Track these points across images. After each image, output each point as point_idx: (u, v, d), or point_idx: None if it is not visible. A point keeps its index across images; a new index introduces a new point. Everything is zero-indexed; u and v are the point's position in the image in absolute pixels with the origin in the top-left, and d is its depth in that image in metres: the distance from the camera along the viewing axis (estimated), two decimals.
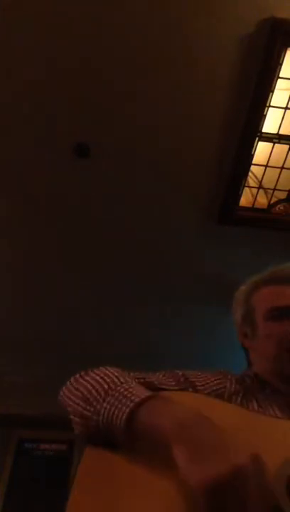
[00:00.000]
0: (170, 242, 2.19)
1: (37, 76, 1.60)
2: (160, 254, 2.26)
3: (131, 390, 0.67)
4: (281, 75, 1.59)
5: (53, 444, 3.29)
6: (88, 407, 0.69)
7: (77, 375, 0.79)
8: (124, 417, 0.63)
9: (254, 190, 1.95)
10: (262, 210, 1.99)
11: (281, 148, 1.81)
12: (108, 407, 0.66)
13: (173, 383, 0.80)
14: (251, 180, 1.91)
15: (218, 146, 1.80)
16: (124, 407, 0.64)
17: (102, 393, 0.69)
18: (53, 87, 1.63)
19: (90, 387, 0.72)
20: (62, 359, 2.91)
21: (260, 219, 2.00)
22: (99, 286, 2.44)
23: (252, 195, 1.96)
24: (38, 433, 3.33)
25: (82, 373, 0.78)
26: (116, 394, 0.67)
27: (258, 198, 1.97)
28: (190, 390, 0.81)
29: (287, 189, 1.95)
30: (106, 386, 0.70)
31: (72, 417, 0.72)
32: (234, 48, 1.54)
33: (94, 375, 0.75)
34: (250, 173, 1.88)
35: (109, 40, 1.51)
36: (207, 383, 0.85)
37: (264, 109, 1.66)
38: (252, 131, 1.72)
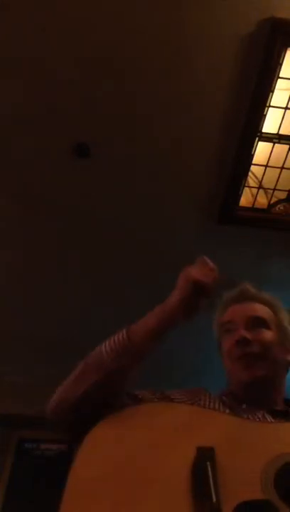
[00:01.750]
0: (170, 242, 2.19)
1: (37, 76, 1.60)
2: (160, 254, 2.25)
3: (114, 336, 0.85)
4: (281, 75, 1.59)
5: (53, 444, 3.29)
6: (90, 360, 0.81)
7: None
8: (124, 331, 0.83)
9: (254, 190, 1.95)
10: (262, 210, 1.99)
11: (281, 148, 1.81)
12: (106, 344, 0.82)
13: (152, 397, 0.85)
14: (251, 180, 1.91)
15: (218, 146, 1.80)
16: (119, 333, 0.83)
17: (96, 351, 0.82)
18: (53, 88, 1.63)
19: (84, 361, 0.83)
20: (62, 359, 2.91)
21: (260, 219, 2.00)
22: (99, 286, 2.44)
23: (252, 195, 1.96)
24: (38, 433, 3.32)
25: None
26: (106, 342, 0.83)
27: (258, 198, 1.97)
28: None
29: (287, 189, 1.95)
30: (96, 350, 0.83)
31: (78, 378, 0.80)
32: (234, 48, 1.54)
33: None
34: (250, 173, 1.88)
35: (109, 40, 1.51)
36: (182, 396, 0.87)
37: (264, 109, 1.66)
38: (252, 131, 1.72)
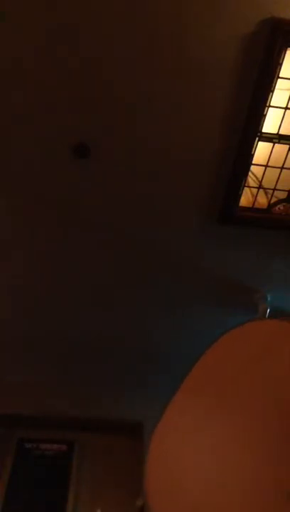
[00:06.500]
0: (170, 243, 2.19)
1: (37, 76, 1.60)
2: (160, 255, 2.26)
3: None
4: (281, 75, 1.60)
5: (53, 444, 3.30)
6: None
7: None
8: None
9: (254, 190, 1.95)
10: (262, 210, 1.99)
11: (281, 148, 1.81)
12: None
13: None
14: (251, 180, 1.91)
15: (218, 146, 1.80)
16: None
17: None
18: (53, 87, 1.63)
19: None
20: (62, 359, 2.92)
21: (260, 219, 2.00)
22: (98, 285, 2.45)
23: (252, 195, 1.97)
24: (38, 433, 3.34)
25: None
26: None
27: (258, 198, 1.97)
28: None
29: (287, 189, 1.95)
30: None
31: None
32: (234, 47, 1.54)
33: None
34: (250, 173, 1.88)
35: (109, 40, 1.51)
36: None
37: (264, 109, 1.67)
38: (252, 131, 1.72)
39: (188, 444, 0.61)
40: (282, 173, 1.88)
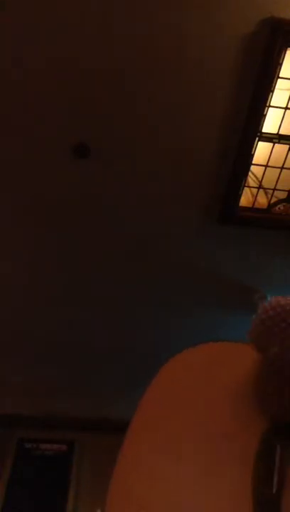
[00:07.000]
0: (170, 243, 2.19)
1: (37, 76, 1.60)
2: (161, 255, 2.26)
3: None
4: (281, 75, 1.60)
5: (53, 444, 3.30)
6: None
7: None
8: None
9: (254, 190, 1.95)
10: (262, 210, 1.99)
11: (281, 148, 1.81)
12: None
13: None
14: (251, 180, 1.91)
15: (218, 146, 1.80)
16: None
17: None
18: (53, 87, 1.63)
19: None
20: (61, 359, 2.91)
21: (260, 219, 2.00)
22: (99, 286, 2.44)
23: (252, 195, 1.97)
24: (38, 433, 3.34)
25: None
26: None
27: (258, 198, 1.97)
28: None
29: (287, 189, 1.95)
30: None
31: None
32: (234, 47, 1.54)
33: None
34: (250, 173, 1.88)
35: (109, 40, 1.51)
36: None
37: (264, 109, 1.67)
38: (252, 131, 1.72)
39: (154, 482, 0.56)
40: (282, 173, 1.88)
